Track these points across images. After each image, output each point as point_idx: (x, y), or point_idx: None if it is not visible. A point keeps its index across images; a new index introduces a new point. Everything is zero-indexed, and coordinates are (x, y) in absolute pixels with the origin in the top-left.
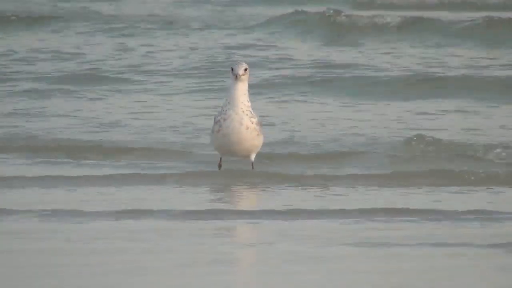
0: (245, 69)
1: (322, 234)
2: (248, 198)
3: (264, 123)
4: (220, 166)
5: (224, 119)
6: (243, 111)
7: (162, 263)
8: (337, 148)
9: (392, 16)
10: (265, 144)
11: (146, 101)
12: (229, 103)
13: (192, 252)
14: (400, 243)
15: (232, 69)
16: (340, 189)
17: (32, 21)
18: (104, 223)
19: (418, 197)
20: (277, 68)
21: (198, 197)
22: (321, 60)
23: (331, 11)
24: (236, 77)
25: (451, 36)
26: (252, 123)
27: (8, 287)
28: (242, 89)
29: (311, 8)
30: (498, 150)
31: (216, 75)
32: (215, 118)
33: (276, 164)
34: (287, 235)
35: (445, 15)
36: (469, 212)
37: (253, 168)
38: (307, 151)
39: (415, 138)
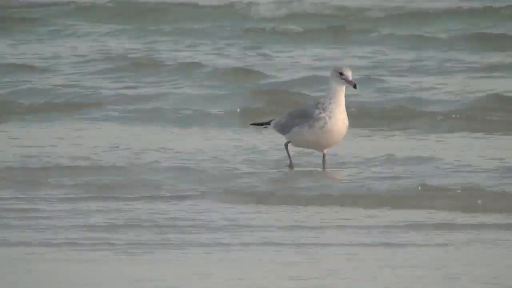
0: None
1: None
2: None
3: None
4: (293, 166)
5: (330, 117)
6: (344, 111)
7: None
8: None
9: None
10: None
11: None
12: (334, 102)
13: None
14: None
15: (341, 73)
16: None
17: None
18: None
19: None
20: None
21: None
22: None
23: None
24: (355, 86)
25: None
26: (347, 121)
27: None
28: (344, 92)
29: None
30: None
31: None
32: (305, 113)
33: None
34: None
35: None
36: None
37: (324, 159)
38: None
39: None
